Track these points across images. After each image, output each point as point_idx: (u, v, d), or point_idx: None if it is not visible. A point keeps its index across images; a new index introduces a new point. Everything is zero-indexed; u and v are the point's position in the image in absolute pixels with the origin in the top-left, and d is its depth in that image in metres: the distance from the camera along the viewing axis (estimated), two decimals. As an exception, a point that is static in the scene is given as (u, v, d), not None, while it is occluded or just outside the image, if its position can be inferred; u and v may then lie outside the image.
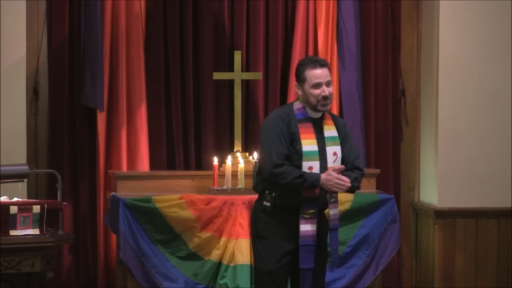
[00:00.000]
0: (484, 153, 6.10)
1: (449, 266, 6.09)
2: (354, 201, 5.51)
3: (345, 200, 5.48)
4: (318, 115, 4.34)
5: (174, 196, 5.40)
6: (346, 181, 4.21)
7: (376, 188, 5.95)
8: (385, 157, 6.34)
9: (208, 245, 5.36)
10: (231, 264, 5.33)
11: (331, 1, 6.17)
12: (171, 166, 6.09)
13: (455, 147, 6.09)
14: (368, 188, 5.85)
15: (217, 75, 5.96)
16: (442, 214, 6.06)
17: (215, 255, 5.36)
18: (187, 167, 6.09)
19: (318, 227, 4.29)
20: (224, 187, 5.57)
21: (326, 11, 6.17)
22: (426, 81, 6.33)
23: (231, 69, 6.00)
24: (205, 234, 5.35)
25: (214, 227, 5.37)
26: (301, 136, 4.25)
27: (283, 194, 4.26)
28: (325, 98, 4.25)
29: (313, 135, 4.27)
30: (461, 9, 6.07)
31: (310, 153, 4.24)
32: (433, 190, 6.18)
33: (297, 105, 4.35)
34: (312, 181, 4.19)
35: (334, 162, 4.29)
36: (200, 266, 5.36)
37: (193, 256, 5.37)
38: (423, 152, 6.40)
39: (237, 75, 5.93)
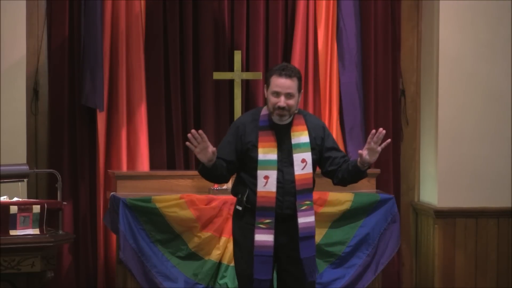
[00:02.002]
0: (484, 153, 6.10)
1: (449, 266, 6.09)
2: (354, 201, 5.51)
3: (345, 200, 5.48)
4: (287, 121, 4.28)
5: (174, 196, 5.40)
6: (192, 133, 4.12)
7: (376, 188, 5.95)
8: (385, 157, 6.33)
9: (208, 245, 5.36)
10: (231, 264, 5.32)
11: (331, 1, 6.18)
12: (171, 166, 6.10)
13: (455, 147, 6.09)
14: (368, 188, 5.85)
15: (217, 75, 5.96)
16: (442, 214, 6.06)
17: (215, 255, 5.36)
18: (187, 167, 6.09)
19: (286, 238, 4.24)
20: (224, 187, 5.57)
21: (326, 11, 6.17)
22: (426, 81, 6.33)
23: (231, 69, 6.00)
24: (205, 234, 5.35)
25: (214, 227, 5.37)
26: (259, 144, 4.21)
27: (248, 198, 4.23)
28: (281, 108, 4.19)
29: (274, 144, 4.22)
30: (461, 9, 6.07)
31: (266, 162, 4.18)
32: (433, 190, 6.18)
33: (264, 111, 4.31)
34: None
35: (303, 169, 4.22)
36: (200, 266, 5.36)
37: (193, 256, 5.36)
38: (423, 152, 6.40)
39: (237, 75, 5.93)
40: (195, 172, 5.79)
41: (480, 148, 6.10)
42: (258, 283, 4.19)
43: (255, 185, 4.21)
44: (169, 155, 6.11)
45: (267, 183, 4.18)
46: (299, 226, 4.22)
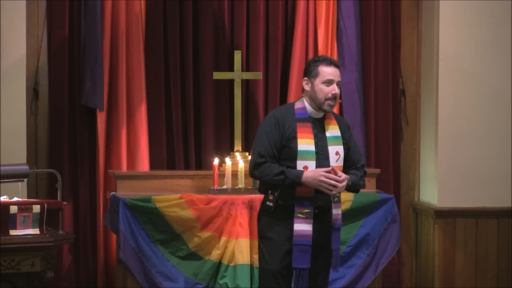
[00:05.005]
0: (484, 153, 6.10)
1: (449, 266, 6.09)
2: (354, 200, 5.51)
3: (345, 200, 5.48)
4: (320, 115, 4.34)
5: (174, 196, 5.40)
6: (337, 180, 4.17)
7: (376, 188, 5.95)
8: (385, 157, 6.34)
9: (208, 244, 5.36)
10: (231, 264, 5.33)
11: (331, 1, 6.18)
12: (171, 166, 6.09)
13: (455, 147, 6.09)
14: (368, 188, 5.84)
15: (217, 75, 5.96)
16: (442, 214, 6.06)
17: (215, 254, 5.36)
18: (187, 167, 6.09)
19: (321, 228, 4.29)
20: (224, 187, 5.57)
21: (326, 11, 6.17)
22: (426, 81, 6.33)
23: (231, 69, 6.00)
24: (205, 234, 5.35)
25: (214, 227, 5.37)
26: (298, 135, 4.25)
27: (283, 193, 4.26)
28: (334, 97, 4.27)
29: (311, 135, 4.27)
30: (461, 9, 6.08)
31: (305, 152, 4.23)
32: (433, 190, 6.18)
33: (298, 105, 4.36)
34: (293, 178, 4.19)
35: (336, 161, 4.29)
36: (200, 266, 5.35)
37: (193, 256, 5.36)
38: (423, 152, 6.40)
39: (237, 75, 5.93)
40: (195, 172, 5.83)
41: (480, 148, 6.10)
42: (298, 272, 4.25)
43: None
44: (169, 155, 6.11)
45: None
46: (333, 217, 4.30)
